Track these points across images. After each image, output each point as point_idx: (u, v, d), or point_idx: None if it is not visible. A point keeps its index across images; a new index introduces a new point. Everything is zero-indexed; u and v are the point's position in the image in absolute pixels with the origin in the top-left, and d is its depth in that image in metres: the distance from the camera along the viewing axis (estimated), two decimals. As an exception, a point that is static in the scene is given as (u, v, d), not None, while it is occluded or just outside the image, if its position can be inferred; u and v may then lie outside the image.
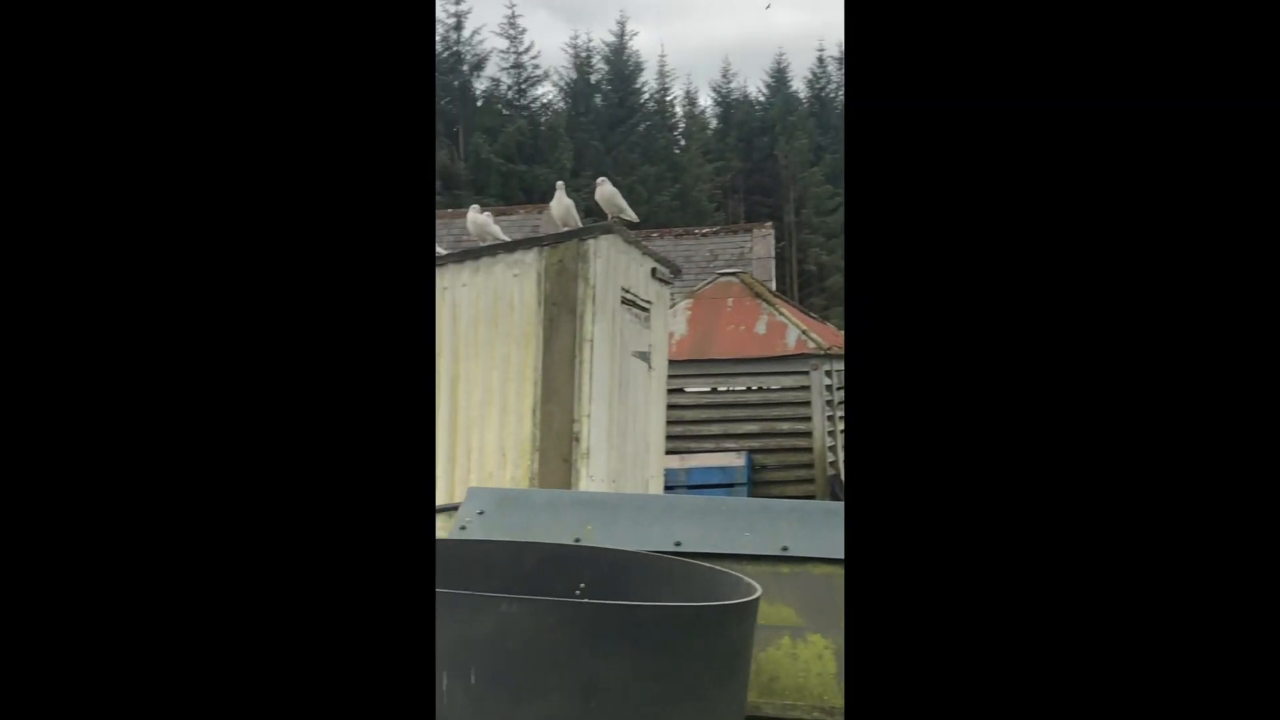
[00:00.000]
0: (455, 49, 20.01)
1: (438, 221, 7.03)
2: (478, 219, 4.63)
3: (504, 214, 8.04)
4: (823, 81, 24.62)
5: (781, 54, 25.83)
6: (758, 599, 1.33)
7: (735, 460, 5.61)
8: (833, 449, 5.93)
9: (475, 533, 1.87)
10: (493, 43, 20.58)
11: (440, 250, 4.03)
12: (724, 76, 24.37)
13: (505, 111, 20.16)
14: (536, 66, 21.12)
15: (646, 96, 22.30)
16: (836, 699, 1.58)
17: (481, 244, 4.26)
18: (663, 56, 28.62)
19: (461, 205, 7.11)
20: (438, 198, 7.76)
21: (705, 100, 24.82)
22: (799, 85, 24.63)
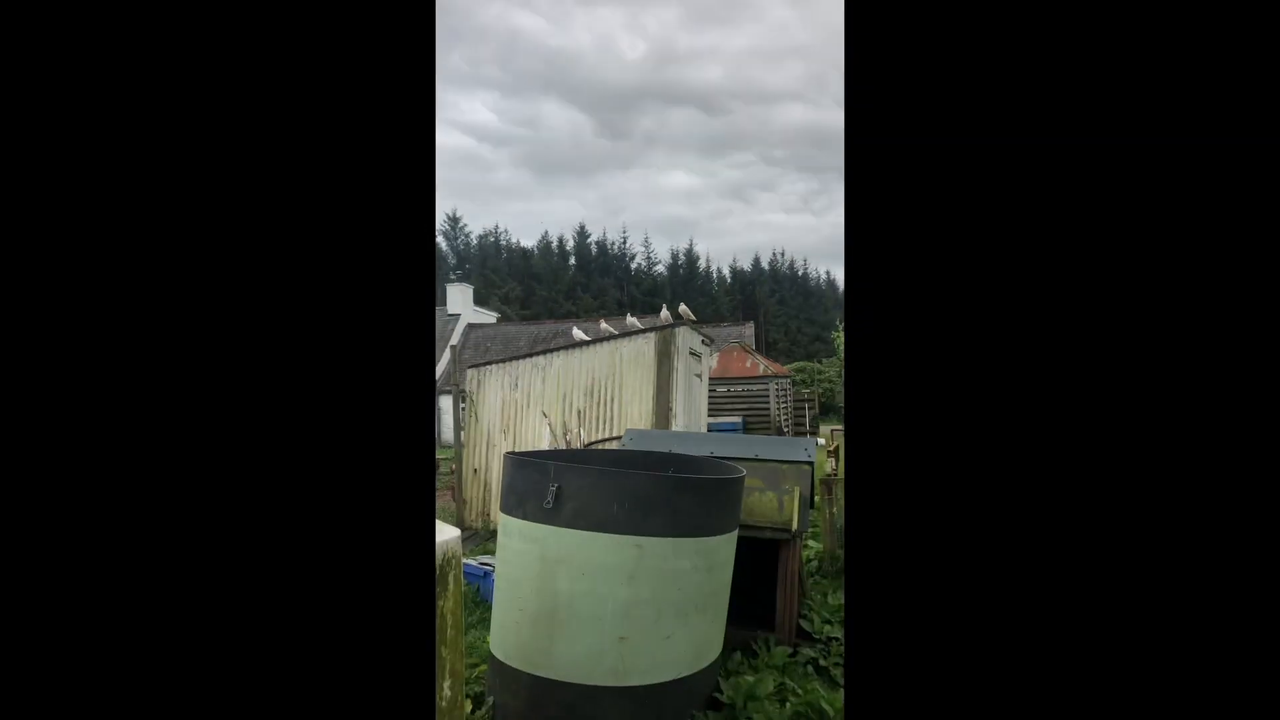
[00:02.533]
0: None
1: (630, 319, 14.36)
2: (629, 322, 12.36)
3: (644, 318, 16.27)
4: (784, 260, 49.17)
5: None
6: (744, 475, 2.84)
7: (736, 419, 13.06)
8: (779, 416, 13.45)
9: (629, 447, 3.92)
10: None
11: (613, 330, 11.35)
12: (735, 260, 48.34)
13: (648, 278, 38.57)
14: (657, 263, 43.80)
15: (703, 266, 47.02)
16: (778, 518, 3.31)
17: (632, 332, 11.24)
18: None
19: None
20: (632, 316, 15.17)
21: (726, 270, 50.56)
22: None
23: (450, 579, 1.54)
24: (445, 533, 1.56)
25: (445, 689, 1.54)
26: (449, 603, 1.54)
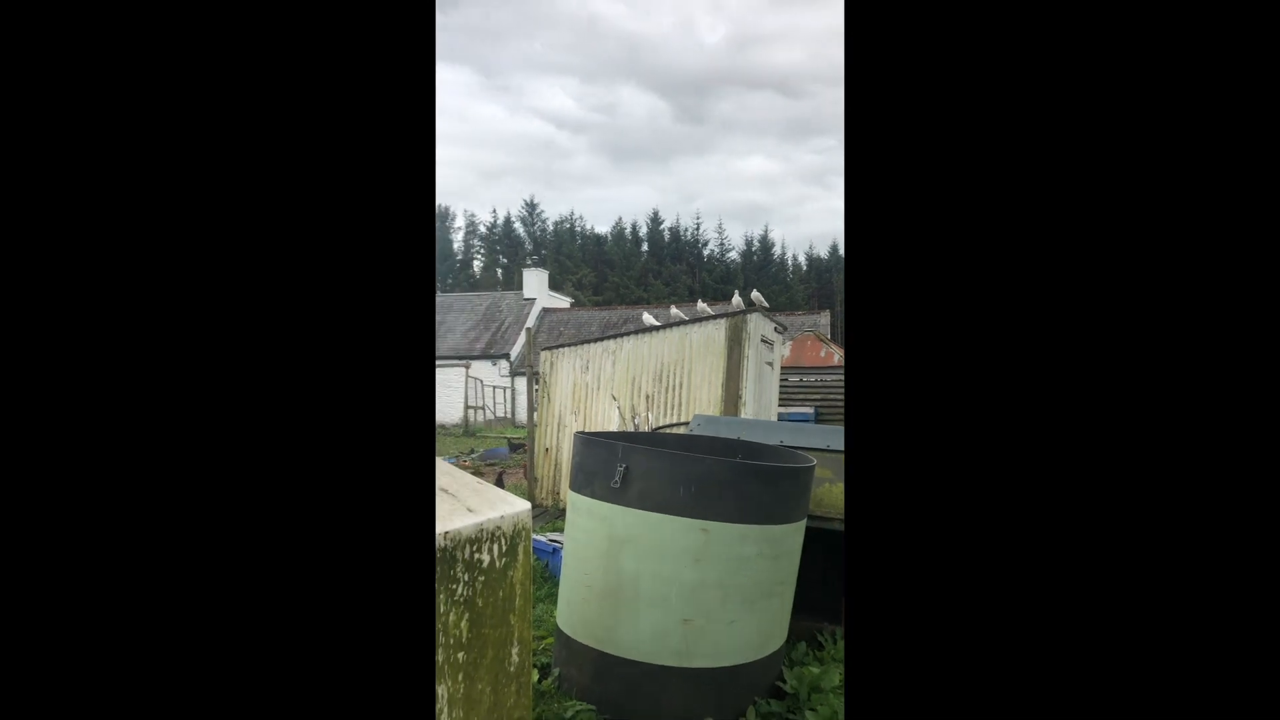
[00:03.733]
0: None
1: (701, 304, 14.34)
2: (699, 307, 12.28)
3: (715, 304, 16.18)
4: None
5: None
6: (814, 465, 2.75)
7: (808, 410, 12.79)
8: (855, 409, 13.20)
9: (696, 432, 3.82)
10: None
11: (684, 315, 11.42)
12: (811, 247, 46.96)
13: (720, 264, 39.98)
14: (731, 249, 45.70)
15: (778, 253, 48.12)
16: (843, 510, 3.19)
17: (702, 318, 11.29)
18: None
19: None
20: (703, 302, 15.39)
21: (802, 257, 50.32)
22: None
23: (520, 550, 1.58)
24: (516, 505, 1.60)
25: (514, 654, 1.58)
26: (519, 573, 1.58)
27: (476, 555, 1.43)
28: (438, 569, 1.31)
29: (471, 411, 19.71)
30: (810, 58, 79.47)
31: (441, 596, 1.32)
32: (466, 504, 1.48)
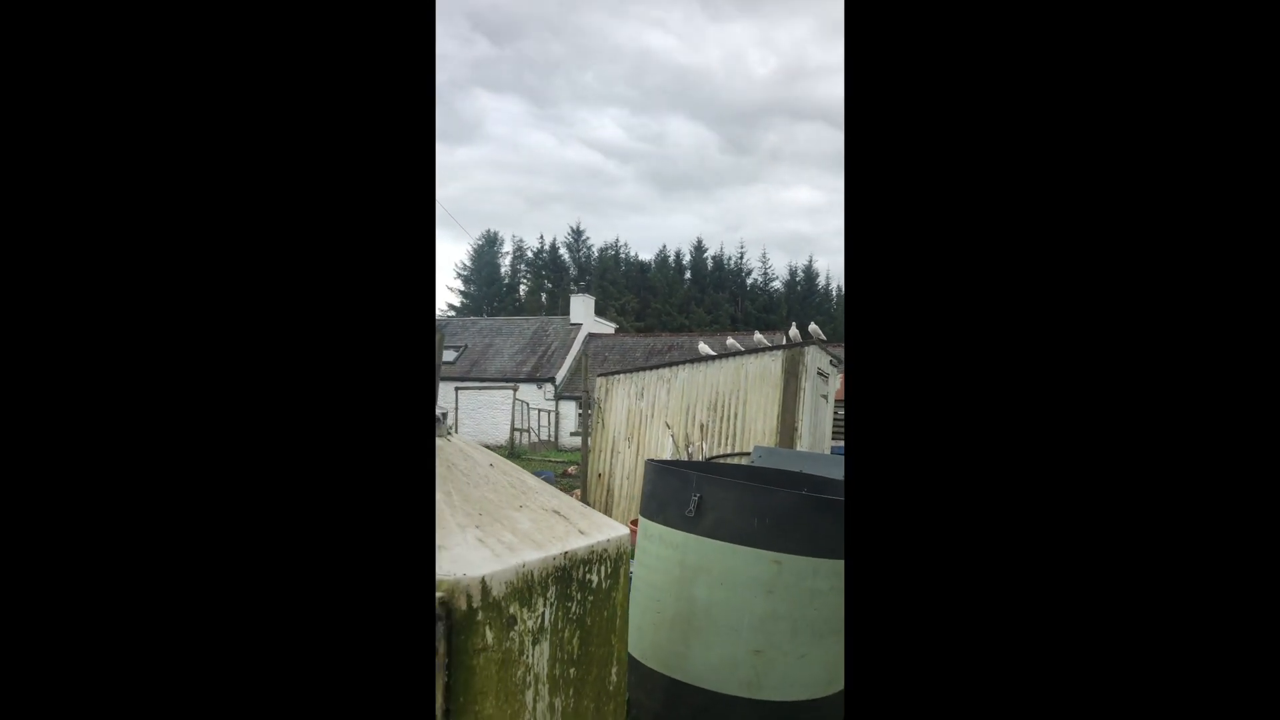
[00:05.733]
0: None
1: (758, 335, 14.12)
2: (756, 338, 12.30)
3: (770, 334, 16.23)
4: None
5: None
6: None
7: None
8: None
9: (758, 464, 4.24)
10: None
11: (740, 346, 11.39)
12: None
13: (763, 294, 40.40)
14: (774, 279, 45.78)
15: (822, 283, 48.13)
16: None
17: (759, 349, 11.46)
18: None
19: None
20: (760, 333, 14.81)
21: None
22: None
23: (621, 573, 1.66)
24: (619, 529, 1.69)
25: (613, 674, 1.65)
26: (620, 595, 1.66)
27: (588, 575, 1.51)
28: (556, 587, 1.39)
29: (517, 434, 19.96)
30: (859, 90, 79.32)
31: (560, 613, 1.41)
32: (578, 526, 1.57)
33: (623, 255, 51.22)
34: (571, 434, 21.41)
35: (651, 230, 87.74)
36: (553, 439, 22.08)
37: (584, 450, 7.27)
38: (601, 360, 23.75)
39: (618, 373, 7.29)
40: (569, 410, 22.65)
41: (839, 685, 2.74)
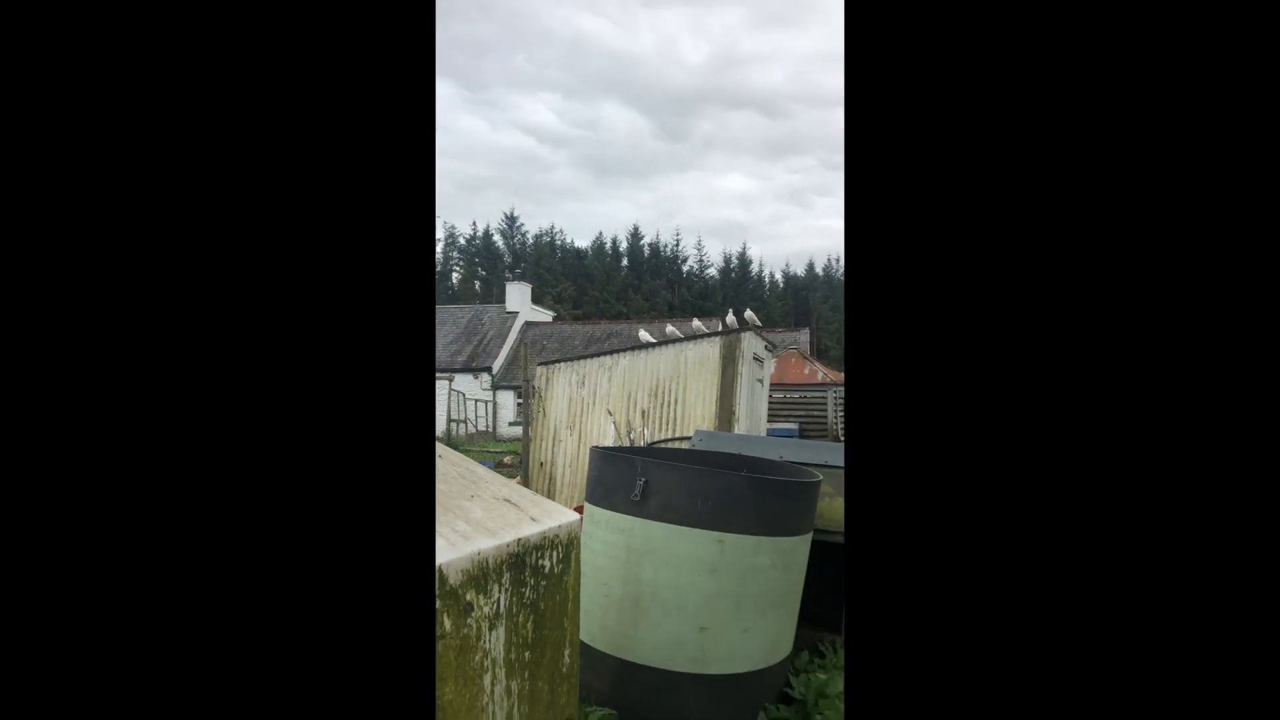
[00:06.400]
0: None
1: (696, 322, 14.59)
2: (695, 325, 12.44)
3: (707, 320, 16.44)
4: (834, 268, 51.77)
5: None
6: (820, 480, 2.90)
7: (793, 425, 13.01)
8: (835, 424, 13.34)
9: (699, 447, 3.97)
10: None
11: (680, 333, 11.61)
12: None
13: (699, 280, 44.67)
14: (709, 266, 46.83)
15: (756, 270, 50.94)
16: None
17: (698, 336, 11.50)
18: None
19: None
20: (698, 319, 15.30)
21: (779, 275, 54.10)
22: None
23: (572, 557, 1.69)
24: (569, 515, 1.72)
25: (566, 656, 1.69)
26: (572, 579, 1.69)
27: (540, 561, 1.54)
28: (510, 573, 1.42)
29: (454, 425, 19.61)
30: (791, 79, 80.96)
31: (515, 598, 1.43)
32: (529, 513, 1.60)
33: (559, 242, 50.79)
34: (510, 424, 21.19)
35: (588, 217, 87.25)
36: (490, 429, 21.79)
37: (525, 440, 7.24)
38: (540, 349, 23.54)
39: (559, 361, 7.27)
40: (507, 400, 22.40)
41: (778, 656, 2.86)
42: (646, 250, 50.96)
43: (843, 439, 13.58)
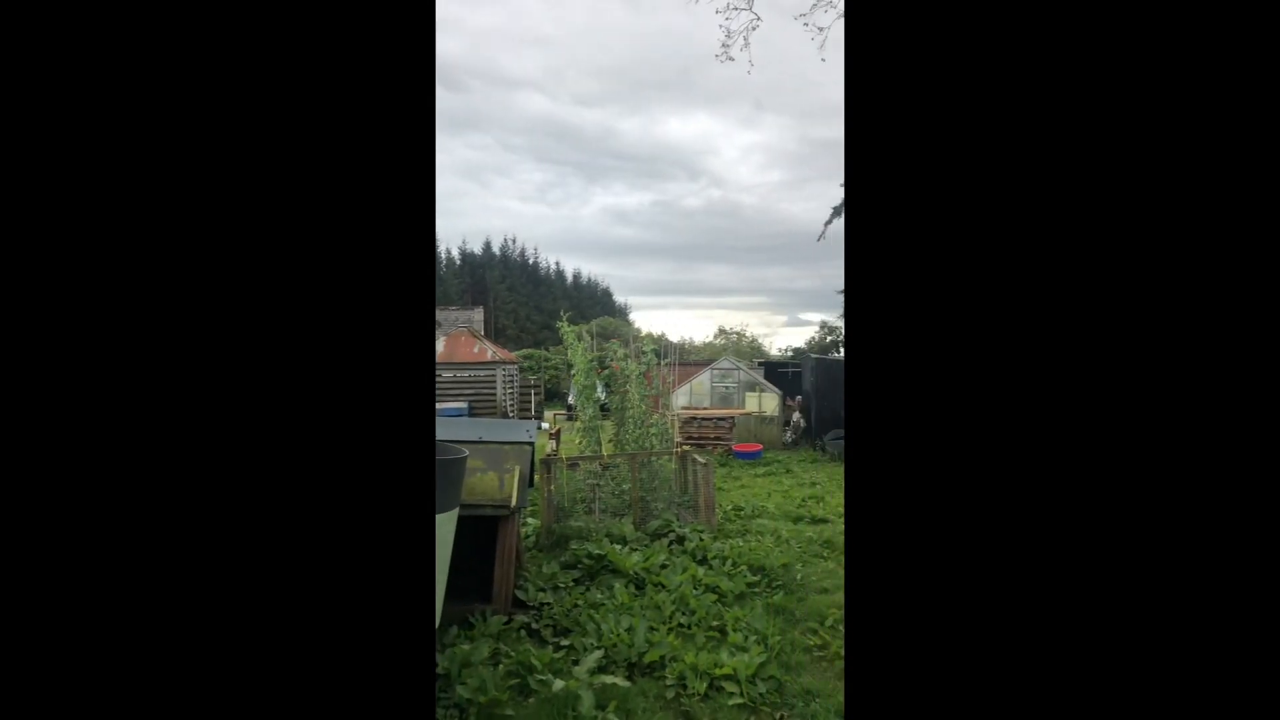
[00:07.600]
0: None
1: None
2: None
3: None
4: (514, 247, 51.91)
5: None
6: (465, 457, 2.91)
7: (462, 404, 12.94)
8: (505, 401, 13.67)
9: None
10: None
11: None
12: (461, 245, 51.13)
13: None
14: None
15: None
16: (498, 496, 3.50)
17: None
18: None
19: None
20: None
21: (455, 252, 51.24)
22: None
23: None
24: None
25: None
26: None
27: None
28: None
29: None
30: (470, 51, 79.52)
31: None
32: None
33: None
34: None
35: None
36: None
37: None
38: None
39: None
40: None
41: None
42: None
43: (511, 416, 13.97)
